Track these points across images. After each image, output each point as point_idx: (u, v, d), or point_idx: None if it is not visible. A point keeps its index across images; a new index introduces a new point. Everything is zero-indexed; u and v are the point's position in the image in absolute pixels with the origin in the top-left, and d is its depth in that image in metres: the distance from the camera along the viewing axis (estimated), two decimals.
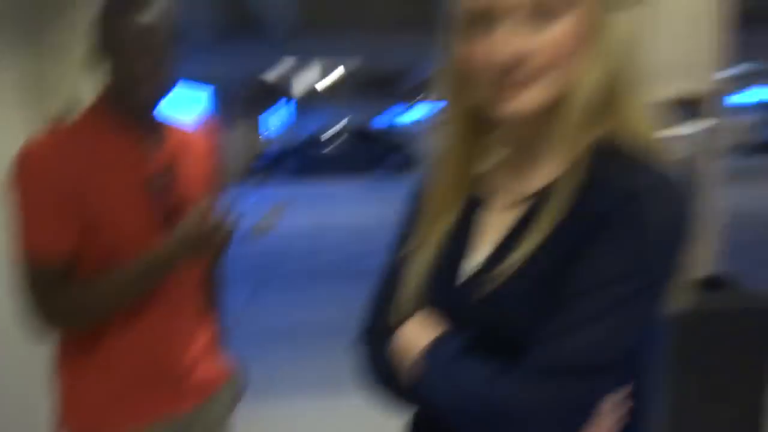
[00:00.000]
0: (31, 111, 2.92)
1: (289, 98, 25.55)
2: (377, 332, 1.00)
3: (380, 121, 28.86)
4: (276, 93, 23.61)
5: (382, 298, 1.02)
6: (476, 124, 0.96)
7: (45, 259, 1.39)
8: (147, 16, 1.39)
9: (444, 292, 0.95)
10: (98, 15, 1.43)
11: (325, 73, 18.69)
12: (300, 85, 22.78)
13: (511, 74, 0.82)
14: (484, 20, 0.83)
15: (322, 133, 19.26)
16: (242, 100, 20.52)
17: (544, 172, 0.90)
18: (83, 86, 2.86)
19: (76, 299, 1.43)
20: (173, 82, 1.49)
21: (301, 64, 16.05)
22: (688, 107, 3.51)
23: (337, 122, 22.17)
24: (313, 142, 18.76)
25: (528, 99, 0.84)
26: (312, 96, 29.59)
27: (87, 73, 2.81)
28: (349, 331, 1.13)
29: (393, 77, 27.32)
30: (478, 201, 0.98)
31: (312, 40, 9.00)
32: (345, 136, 18.89)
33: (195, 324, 1.67)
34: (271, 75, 17.69)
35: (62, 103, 2.90)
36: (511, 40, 0.81)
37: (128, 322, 1.50)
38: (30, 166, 1.38)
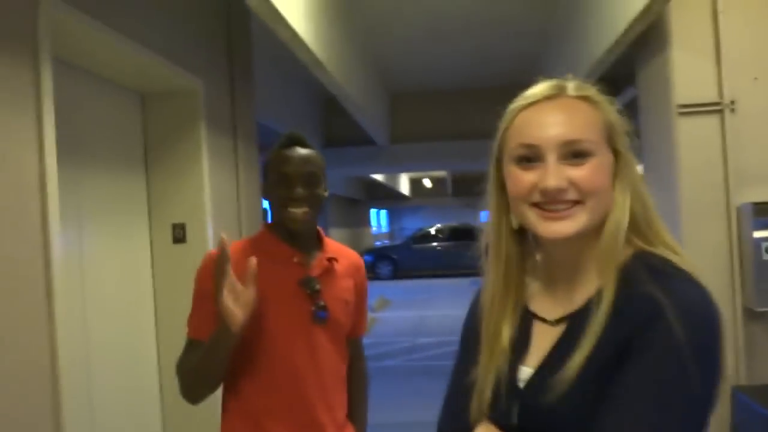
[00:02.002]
0: (154, 219, 3.33)
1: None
2: None
3: (477, 220, 28.79)
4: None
5: (457, 404, 1.13)
6: (522, 242, 1.11)
7: (194, 339, 1.79)
8: (303, 150, 1.82)
9: (509, 398, 1.04)
10: (269, 155, 1.86)
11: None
12: (402, 185, 23.41)
13: (561, 197, 0.98)
14: (533, 154, 1.00)
15: (424, 232, 19.54)
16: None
17: (585, 288, 1.02)
18: (196, 201, 3.27)
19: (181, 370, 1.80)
20: (322, 204, 1.86)
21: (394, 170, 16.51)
22: None
23: (438, 221, 22.49)
24: (416, 239, 19.03)
25: (572, 223, 0.98)
26: (414, 195, 30.20)
27: (199, 191, 3.25)
28: None
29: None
30: (530, 314, 1.10)
31: (405, 147, 9.49)
32: (447, 232, 19.06)
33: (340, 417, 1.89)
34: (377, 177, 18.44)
35: (179, 214, 3.31)
36: (561, 169, 0.98)
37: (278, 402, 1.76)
38: (205, 268, 1.79)
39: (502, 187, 1.08)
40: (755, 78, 3.53)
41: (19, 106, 1.96)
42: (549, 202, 0.98)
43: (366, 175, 18.21)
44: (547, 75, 1.06)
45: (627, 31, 3.68)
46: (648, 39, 3.85)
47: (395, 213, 39.09)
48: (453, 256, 18.32)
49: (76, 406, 2.07)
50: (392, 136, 9.01)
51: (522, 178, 1.01)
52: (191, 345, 1.81)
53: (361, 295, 1.99)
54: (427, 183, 28.15)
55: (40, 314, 1.99)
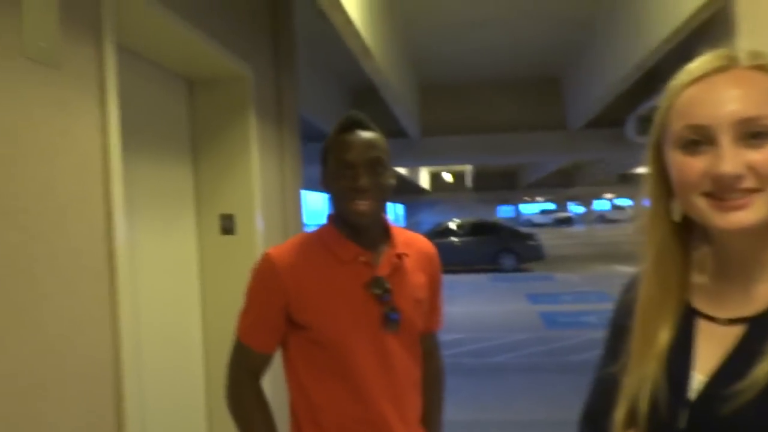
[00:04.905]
0: (202, 210, 3.22)
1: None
2: None
3: (501, 215, 28.70)
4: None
5: (599, 410, 1.03)
6: (684, 233, 0.98)
7: (244, 344, 1.69)
8: (365, 134, 1.63)
9: (673, 408, 0.93)
10: (327, 139, 1.67)
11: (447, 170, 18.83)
12: (422, 179, 23.23)
13: (737, 184, 0.85)
14: (702, 136, 0.88)
15: (446, 225, 19.33)
16: None
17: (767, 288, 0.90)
18: (245, 192, 3.15)
19: (240, 399, 1.67)
20: (389, 194, 1.67)
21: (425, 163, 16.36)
22: None
23: (455, 216, 22.30)
24: (436, 234, 18.82)
25: (751, 213, 0.86)
26: (433, 189, 30.04)
27: (248, 181, 3.14)
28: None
29: (512, 174, 27.49)
30: (693, 312, 0.98)
31: (438, 140, 9.39)
32: (468, 228, 18.86)
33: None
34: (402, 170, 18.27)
35: (226, 207, 3.20)
36: (738, 153, 0.85)
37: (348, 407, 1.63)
38: (262, 270, 1.65)
39: (660, 173, 0.96)
40: None
41: (80, 84, 1.82)
42: (723, 190, 0.86)
43: (397, 168, 18.12)
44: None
45: (690, 19, 3.54)
46: (710, 28, 3.69)
47: (412, 207, 38.96)
48: (473, 252, 18.17)
49: (133, 401, 1.95)
50: (423, 128, 8.88)
51: (690, 166, 0.89)
52: (240, 349, 1.70)
53: (435, 288, 1.83)
54: (447, 177, 27.98)
55: (103, 309, 1.87)
